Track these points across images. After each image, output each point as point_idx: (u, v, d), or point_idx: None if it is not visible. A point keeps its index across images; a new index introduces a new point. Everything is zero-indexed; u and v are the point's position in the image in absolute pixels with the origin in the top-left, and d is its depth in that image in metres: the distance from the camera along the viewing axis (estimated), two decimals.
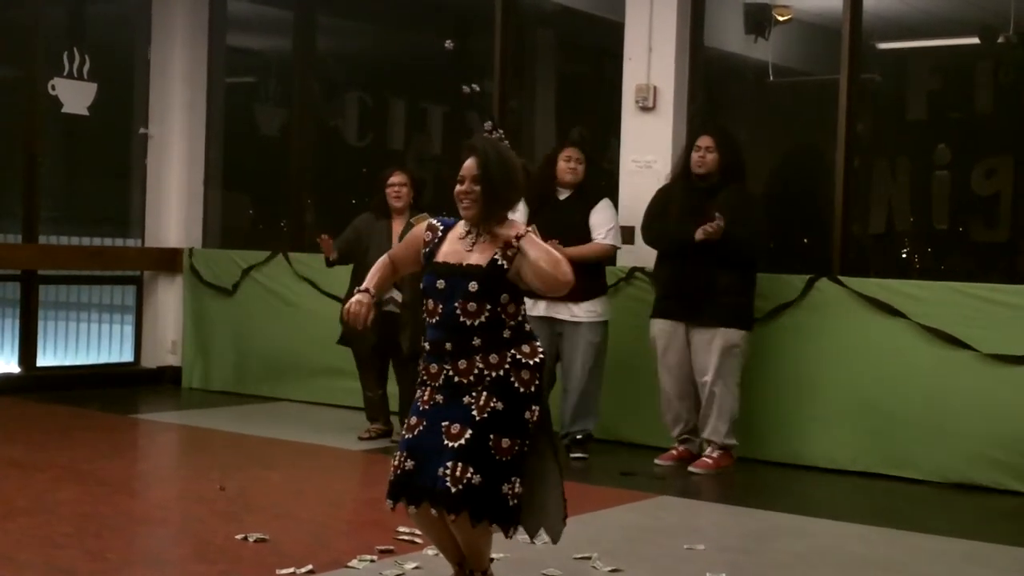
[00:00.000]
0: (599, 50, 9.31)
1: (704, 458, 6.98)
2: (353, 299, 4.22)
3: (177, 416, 8.70)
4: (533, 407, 4.08)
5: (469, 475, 3.95)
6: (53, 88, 9.48)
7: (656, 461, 7.13)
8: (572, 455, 7.17)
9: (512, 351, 4.06)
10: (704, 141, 6.97)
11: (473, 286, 4.04)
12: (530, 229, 4.11)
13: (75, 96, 9.62)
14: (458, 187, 4.13)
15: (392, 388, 7.76)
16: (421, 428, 4.10)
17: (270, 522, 5.34)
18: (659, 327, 7.12)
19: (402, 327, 7.39)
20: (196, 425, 8.29)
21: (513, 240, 4.03)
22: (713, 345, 6.90)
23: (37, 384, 9.44)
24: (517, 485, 4.03)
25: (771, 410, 7.20)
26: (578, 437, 7.25)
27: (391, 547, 4.97)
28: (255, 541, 5.02)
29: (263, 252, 9.52)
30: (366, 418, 7.85)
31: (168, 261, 10.11)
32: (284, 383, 9.36)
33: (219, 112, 10.38)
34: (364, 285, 4.26)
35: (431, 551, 4.90)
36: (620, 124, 7.95)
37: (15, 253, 9.49)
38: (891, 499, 6.57)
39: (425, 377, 4.15)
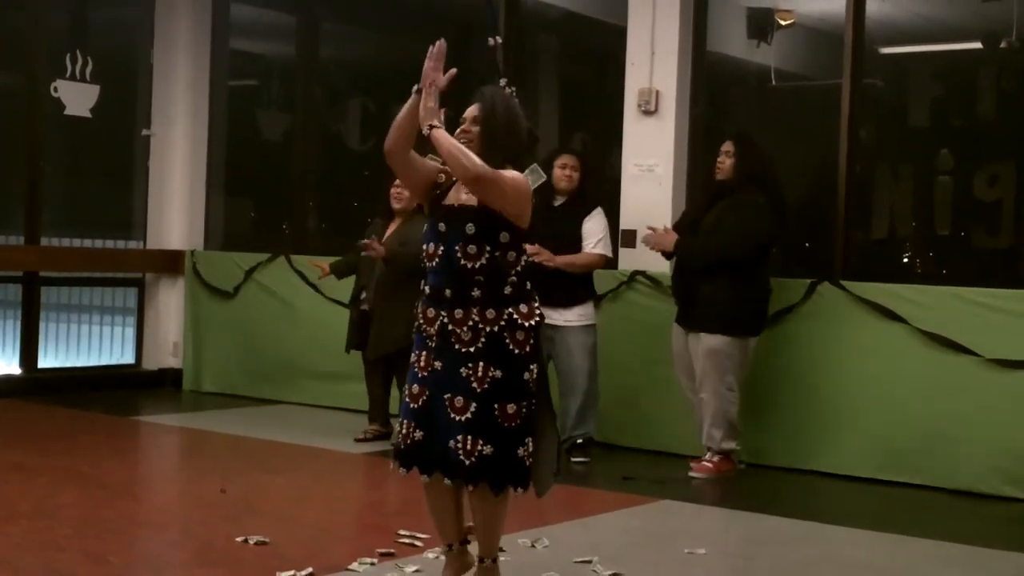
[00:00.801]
0: (601, 54, 9.31)
1: (704, 462, 6.97)
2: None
3: (178, 419, 8.70)
4: (531, 367, 4.10)
5: (480, 447, 3.99)
6: (56, 90, 9.48)
7: (692, 471, 7.00)
8: (573, 459, 7.18)
9: (509, 309, 4.07)
10: (726, 146, 6.97)
11: (470, 228, 4.06)
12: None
13: (78, 98, 9.62)
14: (458, 129, 4.17)
15: (394, 391, 7.77)
16: (424, 398, 4.12)
17: (271, 525, 5.34)
18: (673, 333, 7.14)
19: (370, 327, 7.45)
20: (197, 428, 8.29)
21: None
22: (699, 351, 6.91)
23: (38, 386, 9.43)
24: (531, 445, 4.09)
25: (771, 414, 7.20)
26: (579, 441, 7.25)
27: (392, 550, 4.97)
28: (256, 544, 5.02)
29: (265, 255, 9.52)
30: (368, 419, 7.86)
31: (170, 263, 10.11)
32: (285, 386, 9.35)
33: (221, 116, 10.39)
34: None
35: (431, 554, 4.90)
36: (622, 128, 7.95)
37: (17, 255, 9.49)
38: (891, 504, 6.56)
39: (421, 321, 4.16)
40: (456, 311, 4.07)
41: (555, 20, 9.73)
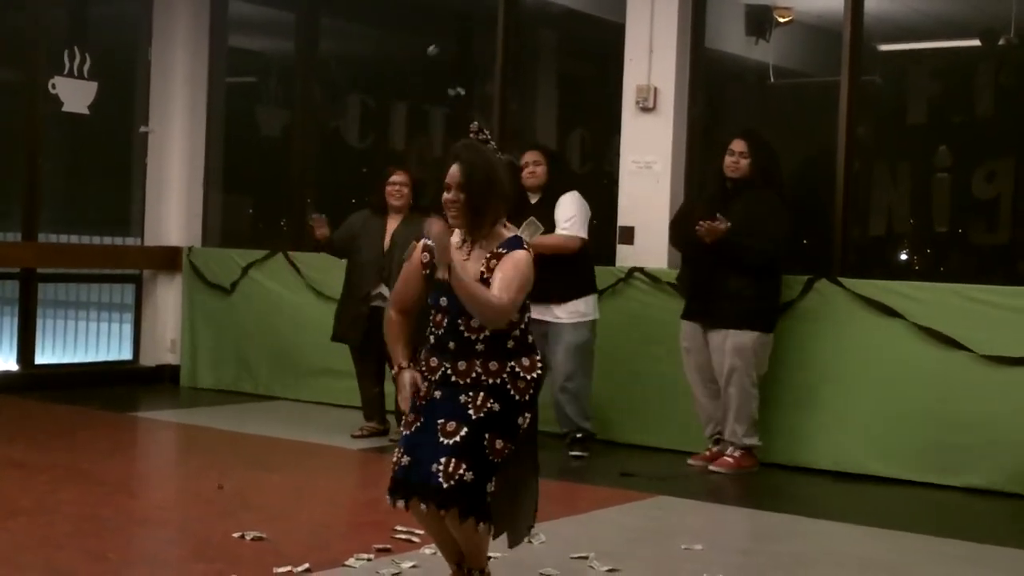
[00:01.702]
0: (600, 51, 9.31)
1: (726, 457, 6.98)
2: (399, 395, 4.16)
3: (176, 415, 8.70)
4: (526, 413, 4.10)
5: (462, 471, 3.95)
6: (54, 87, 9.48)
7: (689, 462, 7.13)
8: (571, 453, 7.19)
9: (512, 363, 4.07)
10: (738, 145, 6.94)
11: None
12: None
13: (76, 95, 9.61)
14: (445, 195, 4.13)
15: (389, 387, 7.77)
16: (418, 424, 4.11)
17: (268, 521, 5.34)
18: (684, 329, 7.13)
19: None
20: (195, 424, 8.29)
21: (494, 252, 4.05)
22: (725, 347, 6.90)
23: (36, 382, 9.43)
24: (493, 483, 4.04)
25: (768, 410, 7.19)
26: (577, 436, 7.25)
27: (388, 546, 4.97)
28: (253, 540, 5.02)
29: (263, 251, 9.52)
30: (364, 416, 7.86)
31: (168, 260, 10.11)
32: (283, 382, 9.35)
33: (220, 112, 10.38)
34: (395, 363, 4.19)
35: (428, 550, 4.90)
36: (620, 125, 7.95)
37: (15, 251, 9.48)
38: (889, 500, 6.57)
39: (424, 369, 4.15)
40: (459, 363, 4.07)
41: (554, 16, 9.72)
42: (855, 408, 6.99)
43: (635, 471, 6.86)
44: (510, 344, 4.09)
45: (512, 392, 4.06)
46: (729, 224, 6.74)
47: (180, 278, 10.05)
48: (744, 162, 6.92)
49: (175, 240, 10.17)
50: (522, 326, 4.13)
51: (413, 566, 4.71)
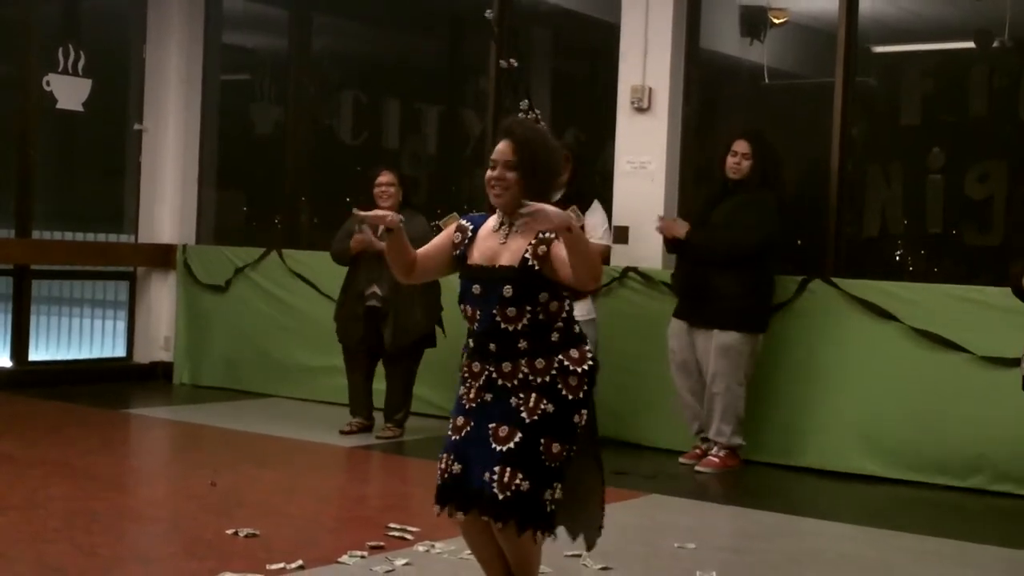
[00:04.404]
0: (595, 51, 9.31)
1: (711, 457, 6.99)
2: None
3: (169, 412, 8.69)
4: (582, 411, 3.82)
5: (518, 481, 3.71)
6: (48, 84, 9.47)
7: (680, 460, 7.15)
8: None
9: (560, 356, 3.79)
10: (741, 146, 6.95)
11: (508, 291, 3.77)
12: (570, 216, 3.63)
13: (70, 92, 9.61)
14: (489, 172, 3.83)
15: (379, 384, 7.79)
16: (468, 429, 3.85)
17: (261, 518, 5.33)
18: (672, 327, 7.14)
19: (384, 322, 7.45)
20: (188, 421, 8.28)
21: (541, 237, 3.76)
22: (712, 346, 6.92)
23: (29, 379, 9.42)
24: (558, 491, 3.79)
25: (761, 410, 7.20)
26: None
27: (381, 543, 4.97)
28: (246, 537, 5.02)
29: (257, 249, 9.52)
30: (349, 412, 7.87)
31: (161, 257, 10.10)
32: (276, 379, 9.35)
33: (214, 109, 10.38)
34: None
35: (422, 547, 4.91)
36: (615, 125, 7.95)
37: (8, 248, 9.48)
38: (881, 499, 6.58)
39: (467, 374, 3.90)
40: (504, 364, 3.81)
41: (549, 16, 9.72)
42: (848, 407, 7.01)
43: (628, 470, 6.86)
44: (555, 337, 3.81)
45: (563, 391, 3.78)
46: (688, 227, 6.80)
47: (173, 275, 10.04)
48: (746, 163, 6.93)
49: (169, 237, 10.16)
50: (564, 315, 3.83)
51: (406, 563, 4.71)
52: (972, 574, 5.10)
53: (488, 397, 3.84)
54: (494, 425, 3.79)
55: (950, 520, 6.10)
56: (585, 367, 3.83)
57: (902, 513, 6.22)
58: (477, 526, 3.89)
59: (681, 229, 6.95)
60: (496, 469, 3.73)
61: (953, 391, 6.68)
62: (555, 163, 3.93)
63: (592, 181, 7.56)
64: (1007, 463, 6.54)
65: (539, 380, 3.78)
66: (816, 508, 6.21)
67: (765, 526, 5.81)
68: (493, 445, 3.76)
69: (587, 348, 3.88)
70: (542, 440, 3.75)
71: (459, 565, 4.67)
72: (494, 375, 3.83)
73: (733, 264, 6.84)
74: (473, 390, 3.88)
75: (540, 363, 3.78)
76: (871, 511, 6.21)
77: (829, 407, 7.07)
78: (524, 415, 3.76)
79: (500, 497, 3.71)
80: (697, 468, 6.97)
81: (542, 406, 3.76)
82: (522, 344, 3.79)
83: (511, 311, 3.77)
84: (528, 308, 3.77)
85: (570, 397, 3.79)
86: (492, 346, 3.82)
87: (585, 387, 3.83)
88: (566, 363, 3.80)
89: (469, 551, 4.58)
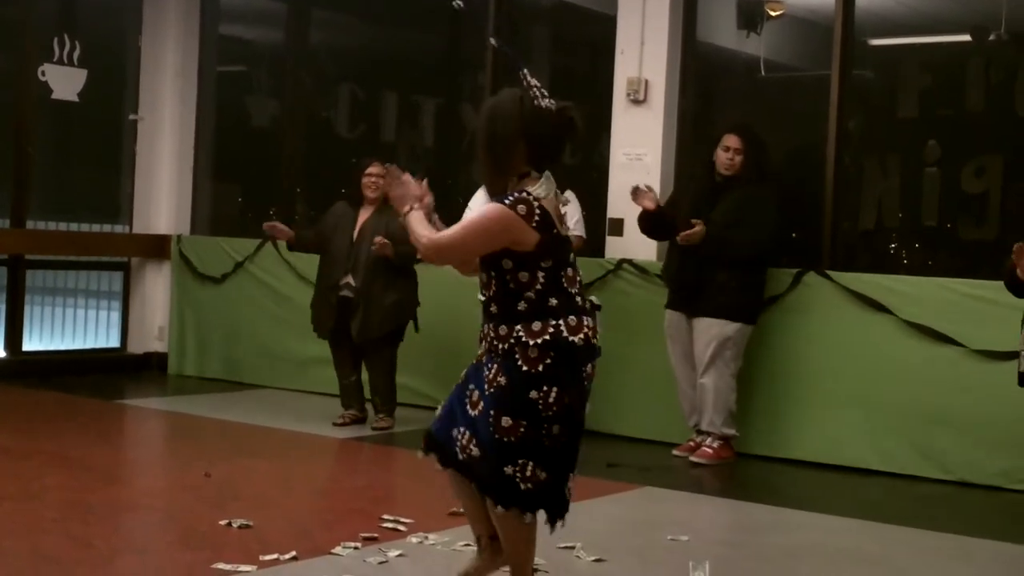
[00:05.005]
0: (591, 43, 9.29)
1: (705, 448, 7.00)
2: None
3: (163, 403, 8.69)
4: (545, 388, 3.75)
5: (472, 446, 3.86)
6: (43, 74, 9.46)
7: (674, 452, 7.15)
8: None
9: (519, 327, 3.79)
10: (732, 141, 6.95)
11: (477, 259, 3.94)
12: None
13: (65, 82, 9.59)
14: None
15: (366, 375, 7.79)
16: (460, 384, 4.03)
17: (255, 509, 5.33)
18: (668, 317, 7.15)
19: (353, 313, 7.45)
20: (182, 412, 8.28)
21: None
22: (706, 336, 6.92)
23: (23, 369, 9.41)
24: (529, 469, 3.79)
25: (756, 403, 7.21)
26: None
27: (375, 535, 4.97)
28: (240, 528, 5.01)
29: (252, 240, 9.51)
30: (341, 404, 7.87)
31: (156, 248, 10.10)
32: (270, 371, 9.35)
33: (210, 101, 10.37)
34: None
35: (415, 539, 4.90)
36: (611, 117, 7.95)
37: (2, 238, 9.46)
38: (877, 493, 6.58)
39: (481, 335, 3.99)
40: (485, 327, 3.94)
41: (545, 8, 9.71)
42: (842, 400, 7.01)
43: (621, 462, 6.87)
44: (521, 306, 3.82)
45: (520, 362, 3.78)
46: (702, 225, 6.77)
47: (168, 266, 10.04)
48: (738, 159, 6.93)
49: (164, 228, 10.15)
50: (538, 287, 3.80)
51: (400, 555, 4.71)
52: (972, 570, 5.10)
53: (484, 359, 3.95)
54: (472, 387, 3.94)
55: (946, 514, 6.09)
56: (541, 340, 3.77)
57: (898, 507, 6.22)
58: (458, 477, 4.03)
59: (700, 231, 6.85)
60: (461, 429, 3.92)
61: (947, 384, 6.68)
62: (502, 135, 3.92)
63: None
64: (1002, 457, 6.54)
65: (501, 346, 3.85)
66: (811, 501, 6.21)
67: (760, 519, 5.81)
68: (467, 407, 3.92)
69: (553, 323, 3.79)
70: (491, 412, 3.83)
71: (453, 556, 4.67)
72: (492, 337, 3.91)
73: (743, 261, 6.86)
74: (480, 349, 4.01)
75: (503, 330, 3.85)
76: (866, 504, 6.20)
77: (823, 400, 7.07)
78: (485, 385, 3.87)
79: (460, 456, 3.91)
80: (691, 459, 6.98)
81: (498, 379, 3.83)
82: (493, 308, 3.90)
83: (483, 276, 3.92)
84: (493, 274, 3.87)
85: (525, 368, 3.78)
86: (492, 308, 3.93)
87: (547, 360, 3.77)
88: (522, 334, 3.80)
89: (463, 542, 4.59)
